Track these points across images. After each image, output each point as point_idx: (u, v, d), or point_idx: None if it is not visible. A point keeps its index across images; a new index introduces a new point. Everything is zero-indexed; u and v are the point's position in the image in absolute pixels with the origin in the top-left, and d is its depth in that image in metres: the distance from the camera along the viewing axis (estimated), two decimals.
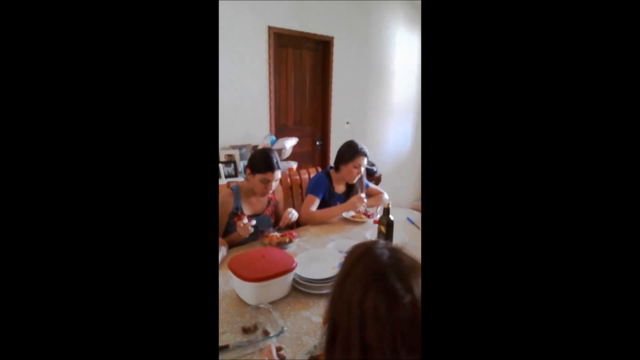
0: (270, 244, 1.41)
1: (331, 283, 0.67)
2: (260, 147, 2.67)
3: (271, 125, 2.96)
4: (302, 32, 2.97)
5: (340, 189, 1.93)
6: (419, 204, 4.22)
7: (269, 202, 1.65)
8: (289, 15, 2.87)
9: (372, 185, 2.07)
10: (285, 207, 1.70)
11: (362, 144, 1.86)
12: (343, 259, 0.61)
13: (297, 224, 1.72)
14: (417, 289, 0.53)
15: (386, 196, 2.05)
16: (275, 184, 1.53)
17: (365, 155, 1.83)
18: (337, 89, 3.34)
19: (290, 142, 2.64)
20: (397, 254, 0.57)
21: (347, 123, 3.50)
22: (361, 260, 0.57)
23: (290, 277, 1.08)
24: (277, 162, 1.50)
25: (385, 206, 1.31)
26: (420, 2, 3.72)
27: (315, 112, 3.33)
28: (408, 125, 4.18)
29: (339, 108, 3.40)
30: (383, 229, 1.29)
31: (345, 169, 1.83)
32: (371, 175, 3.46)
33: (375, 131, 3.81)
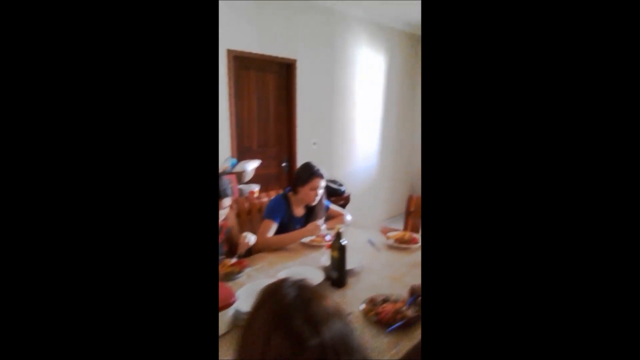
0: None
1: None
2: (220, 171, 2.58)
3: (232, 148, 2.88)
4: (263, 55, 2.96)
5: (299, 211, 1.85)
6: (387, 224, 4.19)
7: (220, 228, 1.55)
8: (250, 39, 2.86)
9: (333, 206, 2.01)
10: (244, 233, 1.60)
11: (319, 166, 1.80)
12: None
13: (252, 250, 1.63)
14: (328, 330, 0.46)
15: (348, 217, 1.99)
16: (223, 212, 1.44)
17: (321, 177, 1.77)
18: (303, 110, 3.32)
19: (251, 165, 2.57)
20: (305, 293, 0.50)
21: (314, 144, 3.47)
22: (267, 301, 0.50)
23: (228, 313, 0.98)
24: (225, 190, 1.42)
25: (337, 230, 1.25)
26: (382, 23, 3.83)
27: (280, 134, 3.28)
28: (375, 143, 4.20)
29: (305, 129, 3.37)
30: (335, 254, 1.22)
31: (303, 192, 1.76)
32: (339, 195, 3.41)
33: (343, 151, 3.80)
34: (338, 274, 1.23)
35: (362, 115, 3.95)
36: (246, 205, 2.04)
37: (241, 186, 2.50)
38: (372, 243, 1.68)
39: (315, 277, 1.27)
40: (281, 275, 1.27)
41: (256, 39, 2.89)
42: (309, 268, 1.35)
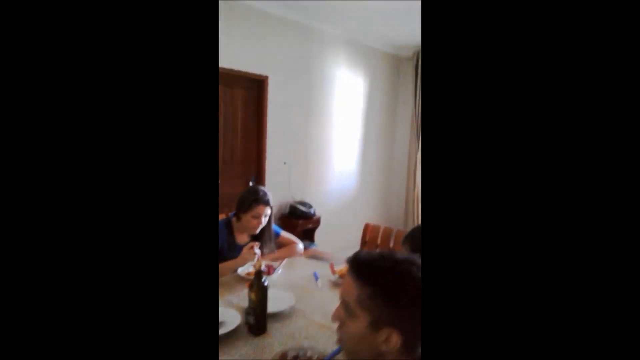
0: None
1: None
2: None
3: None
4: (232, 70, 2.86)
5: (242, 239, 1.69)
6: (351, 252, 4.04)
7: None
8: (220, 54, 2.77)
9: (285, 233, 1.85)
10: None
11: (267, 191, 1.65)
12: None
13: None
14: None
15: (301, 246, 1.83)
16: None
17: (266, 204, 1.61)
18: (274, 128, 3.20)
19: None
20: None
21: (285, 163, 3.34)
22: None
23: None
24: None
25: (257, 267, 1.09)
26: (362, 43, 3.77)
27: (248, 151, 3.15)
28: (352, 165, 4.08)
29: (275, 147, 3.24)
30: (253, 295, 1.06)
31: (245, 219, 1.61)
32: (308, 217, 3.26)
33: (317, 172, 3.67)
34: (255, 320, 1.06)
35: (340, 136, 3.85)
36: None
37: None
38: (316, 277, 1.52)
39: (232, 320, 1.10)
40: None
41: (225, 54, 2.79)
42: (224, 310, 1.17)
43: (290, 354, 0.92)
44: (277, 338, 1.06)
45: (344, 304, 0.68)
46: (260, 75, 3.04)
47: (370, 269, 0.65)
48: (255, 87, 3.09)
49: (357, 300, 0.65)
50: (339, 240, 3.70)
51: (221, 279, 1.47)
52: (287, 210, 3.30)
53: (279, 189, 3.26)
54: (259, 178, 3.21)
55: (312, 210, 3.28)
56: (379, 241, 1.91)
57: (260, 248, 1.66)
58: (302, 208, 3.22)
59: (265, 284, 1.08)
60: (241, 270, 1.51)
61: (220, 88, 2.87)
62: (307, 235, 3.33)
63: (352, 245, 4.18)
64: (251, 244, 1.48)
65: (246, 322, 1.09)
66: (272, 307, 1.15)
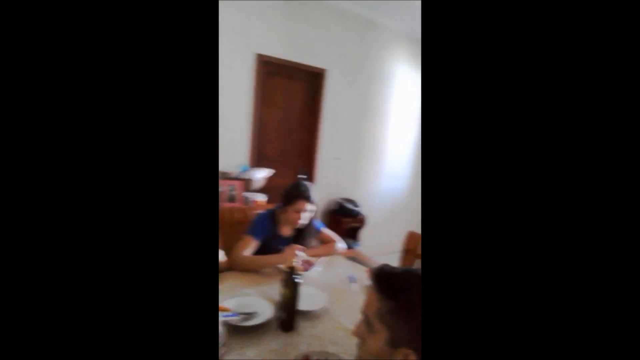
0: None
1: None
2: (231, 175, 2.54)
3: (251, 154, 2.84)
4: (293, 63, 2.90)
5: (286, 231, 1.72)
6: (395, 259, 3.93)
7: None
8: (280, 44, 2.82)
9: (326, 230, 1.85)
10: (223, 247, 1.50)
11: (311, 187, 1.66)
12: None
13: (226, 267, 1.53)
14: None
15: (340, 245, 1.82)
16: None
17: (307, 199, 1.61)
18: (328, 123, 3.20)
19: (261, 173, 2.50)
20: None
21: (337, 158, 3.33)
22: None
23: None
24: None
25: (290, 263, 1.10)
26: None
27: (302, 145, 3.19)
28: (406, 167, 3.94)
29: (329, 142, 3.25)
30: (285, 291, 1.07)
31: (287, 212, 1.63)
32: (353, 216, 3.23)
33: (368, 170, 3.61)
34: (286, 315, 1.08)
35: (395, 135, 3.73)
36: (238, 215, 1.95)
37: (246, 194, 2.43)
38: (352, 280, 1.50)
39: (264, 312, 1.13)
40: (227, 304, 1.14)
41: (286, 45, 2.84)
42: (258, 300, 1.20)
43: (313, 358, 0.92)
44: (305, 338, 1.06)
45: (365, 318, 0.67)
46: (318, 68, 3.05)
47: (392, 282, 0.64)
48: (313, 80, 3.10)
49: (377, 314, 0.64)
50: (385, 244, 3.62)
51: (263, 270, 1.51)
52: (334, 207, 3.30)
53: (328, 184, 3.27)
54: (310, 172, 3.24)
55: (357, 209, 3.24)
56: (418, 251, 1.82)
57: (300, 243, 1.68)
58: (348, 205, 3.19)
59: (297, 280, 1.08)
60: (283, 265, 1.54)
61: (279, 79, 2.93)
62: (352, 234, 3.30)
63: (397, 251, 4.08)
64: (295, 247, 1.50)
65: (277, 317, 1.10)
66: (304, 305, 1.15)
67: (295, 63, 2.90)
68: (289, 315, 1.08)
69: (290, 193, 1.61)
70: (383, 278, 0.66)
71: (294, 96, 3.04)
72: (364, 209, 3.33)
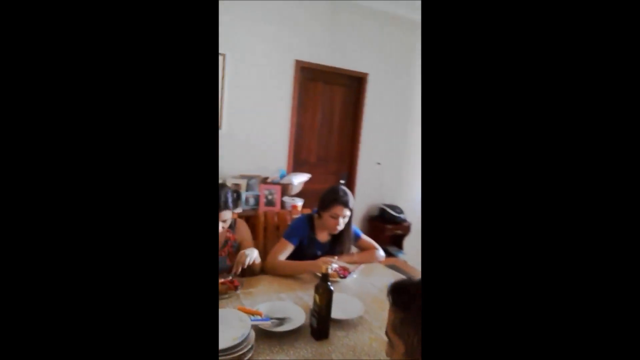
0: None
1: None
2: (270, 180, 2.56)
3: (289, 159, 2.85)
4: (333, 68, 2.88)
5: (323, 237, 1.68)
6: None
7: (225, 242, 1.48)
8: (320, 50, 2.82)
9: (365, 237, 1.78)
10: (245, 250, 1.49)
11: (348, 192, 1.60)
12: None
13: (260, 270, 1.51)
14: None
15: (381, 252, 1.73)
16: (222, 225, 1.37)
17: (345, 205, 1.55)
18: (369, 127, 3.13)
19: (299, 178, 2.49)
20: None
21: (378, 164, 3.24)
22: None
23: None
24: (225, 202, 1.34)
25: (323, 270, 1.05)
26: None
27: (342, 150, 3.15)
28: None
29: (369, 147, 3.17)
30: (317, 298, 1.02)
31: (324, 217, 1.59)
32: (397, 223, 3.11)
33: (411, 175, 3.47)
34: (317, 323, 1.03)
35: None
36: (276, 219, 1.95)
37: (285, 198, 2.43)
38: None
39: (296, 318, 1.09)
40: (260, 308, 1.12)
41: (327, 51, 2.83)
42: (291, 306, 1.16)
43: None
44: (338, 347, 1.00)
45: (386, 334, 0.67)
46: (360, 73, 3.00)
47: (405, 294, 0.65)
48: (354, 85, 3.06)
49: (392, 328, 0.65)
50: None
51: (298, 275, 1.47)
52: (376, 213, 3.20)
53: (369, 189, 3.18)
54: (351, 177, 3.19)
55: (402, 216, 3.12)
56: None
57: (337, 249, 1.62)
58: (392, 212, 3.08)
59: (331, 288, 1.03)
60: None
61: (320, 85, 2.93)
62: (395, 242, 3.18)
63: None
64: (329, 258, 1.45)
65: (310, 324, 1.06)
66: (338, 313, 1.10)
67: (335, 68, 2.88)
68: (321, 323, 1.03)
69: (327, 198, 1.57)
70: (395, 291, 0.66)
71: (334, 101, 3.02)
72: (408, 215, 3.20)
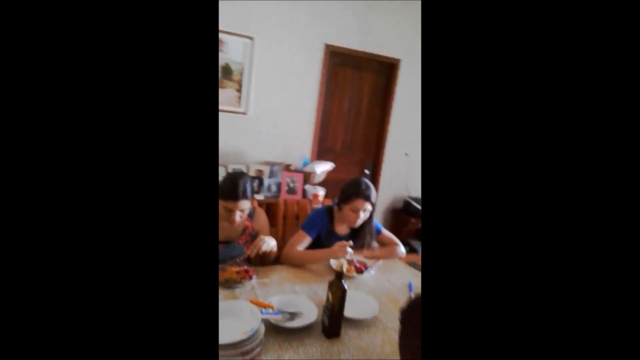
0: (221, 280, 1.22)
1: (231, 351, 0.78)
2: (292, 167, 2.54)
3: (314, 146, 2.81)
4: (364, 53, 2.77)
5: (342, 229, 1.63)
6: None
7: (244, 230, 1.47)
8: (350, 34, 2.71)
9: (386, 232, 1.72)
10: (277, 239, 1.48)
11: (370, 185, 1.54)
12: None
13: (275, 260, 1.50)
14: None
15: (402, 249, 1.67)
16: (240, 214, 1.35)
17: (366, 199, 1.49)
18: (398, 116, 3.02)
19: (322, 167, 2.44)
20: None
21: (406, 154, 3.13)
22: None
23: None
24: (244, 191, 1.32)
25: (338, 268, 1.01)
26: None
27: (369, 139, 3.06)
28: None
29: (397, 137, 3.06)
30: (330, 296, 0.99)
31: (344, 210, 1.54)
32: (421, 217, 3.01)
33: None
34: (329, 321, 0.99)
35: None
36: (296, 208, 1.92)
37: (307, 187, 2.40)
38: (411, 289, 1.35)
39: (308, 314, 1.06)
40: (272, 300, 1.10)
41: (359, 35, 2.72)
42: (305, 300, 1.14)
43: None
44: (349, 347, 0.97)
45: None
46: (392, 58, 2.87)
47: (408, 307, 0.63)
48: (385, 71, 2.94)
49: (398, 340, 0.64)
50: None
51: (312, 266, 1.45)
52: (400, 205, 3.12)
53: (395, 181, 3.09)
54: (376, 167, 3.10)
55: None
56: None
57: (357, 243, 1.58)
58: (417, 205, 2.99)
59: (345, 287, 0.99)
60: (334, 262, 1.46)
61: (349, 71, 2.83)
62: (419, 236, 3.09)
63: None
64: (345, 243, 1.41)
65: (322, 321, 1.03)
66: (352, 312, 1.06)
67: (366, 53, 2.78)
68: (333, 321, 1.00)
69: (348, 190, 1.52)
70: (404, 305, 0.65)
71: (362, 87, 2.92)
72: None
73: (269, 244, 1.36)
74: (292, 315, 1.05)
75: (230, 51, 2.40)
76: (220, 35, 2.34)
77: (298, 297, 1.16)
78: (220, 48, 2.37)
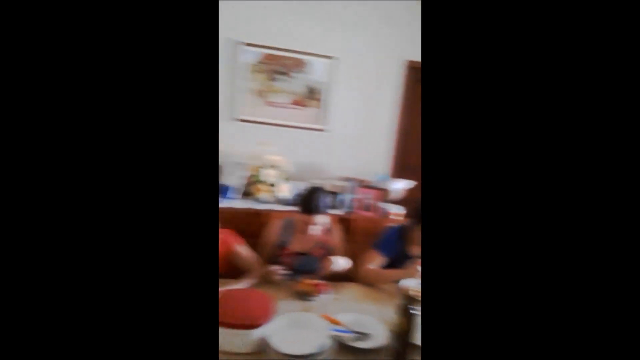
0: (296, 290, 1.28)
1: None
2: (368, 184, 2.54)
3: (393, 163, 2.77)
4: None
5: (417, 251, 1.58)
6: None
7: (318, 243, 1.52)
8: None
9: None
10: (351, 256, 1.49)
11: None
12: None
13: (351, 277, 1.51)
14: None
15: None
16: (316, 228, 1.40)
17: None
18: None
19: (400, 184, 2.39)
20: None
21: None
22: None
23: (252, 335, 0.94)
24: (320, 205, 1.37)
25: (412, 292, 0.98)
26: None
27: None
28: None
29: None
30: (398, 320, 0.97)
31: (419, 231, 1.49)
32: None
33: None
34: (398, 346, 0.97)
35: None
36: (369, 226, 1.92)
37: (383, 204, 2.38)
38: None
39: (378, 336, 1.05)
40: (341, 318, 1.12)
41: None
42: (374, 322, 1.12)
43: None
44: None
45: None
46: None
47: None
48: None
49: None
50: None
51: (384, 287, 1.43)
52: None
53: None
54: None
55: None
56: None
57: None
58: None
59: (414, 312, 0.96)
60: (403, 284, 1.42)
61: (417, 85, 2.75)
62: None
63: None
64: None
65: (391, 345, 1.01)
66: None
67: None
68: (401, 346, 0.97)
69: None
70: None
71: None
72: None
73: (337, 264, 1.39)
74: (362, 336, 1.05)
75: (313, 72, 2.54)
76: (303, 57, 2.49)
77: (368, 318, 1.16)
78: (302, 69, 2.52)
